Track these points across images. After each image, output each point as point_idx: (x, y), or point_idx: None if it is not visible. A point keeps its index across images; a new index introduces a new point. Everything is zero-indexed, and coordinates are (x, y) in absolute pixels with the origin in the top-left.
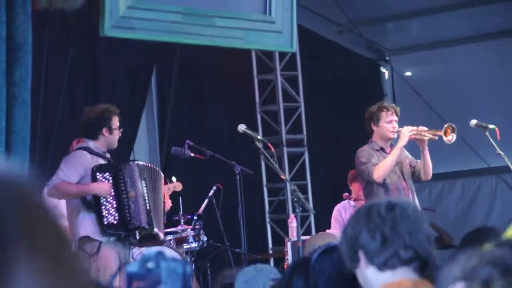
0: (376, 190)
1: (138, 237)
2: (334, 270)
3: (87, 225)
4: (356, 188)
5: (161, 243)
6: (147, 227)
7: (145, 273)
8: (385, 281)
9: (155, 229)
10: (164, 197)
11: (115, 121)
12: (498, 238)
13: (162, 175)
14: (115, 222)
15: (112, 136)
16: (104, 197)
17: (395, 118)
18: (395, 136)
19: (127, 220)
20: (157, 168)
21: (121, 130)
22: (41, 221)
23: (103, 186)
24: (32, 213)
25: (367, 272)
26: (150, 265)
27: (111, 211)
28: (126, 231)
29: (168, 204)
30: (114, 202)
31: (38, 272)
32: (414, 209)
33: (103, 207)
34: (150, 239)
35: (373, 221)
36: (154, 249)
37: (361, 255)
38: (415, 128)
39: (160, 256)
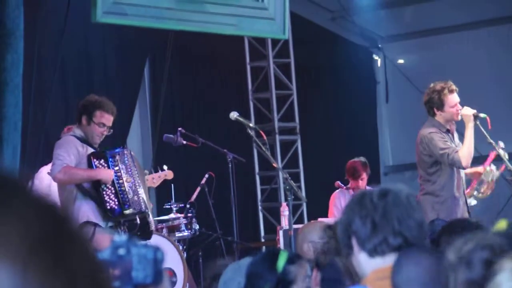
0: (446, 173)
1: (138, 222)
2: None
3: (85, 211)
4: (363, 178)
5: (150, 235)
6: (146, 211)
7: (116, 260)
8: (375, 267)
9: (150, 217)
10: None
11: (99, 116)
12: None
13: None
14: (116, 207)
15: (89, 127)
16: (104, 183)
17: (458, 99)
18: (459, 118)
19: (127, 206)
20: (136, 159)
21: (110, 130)
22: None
23: (108, 172)
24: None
25: (359, 258)
26: (121, 251)
27: (111, 196)
28: (126, 216)
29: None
30: (113, 188)
31: None
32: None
33: (104, 193)
34: (142, 228)
35: (365, 208)
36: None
37: (354, 241)
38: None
39: (130, 242)
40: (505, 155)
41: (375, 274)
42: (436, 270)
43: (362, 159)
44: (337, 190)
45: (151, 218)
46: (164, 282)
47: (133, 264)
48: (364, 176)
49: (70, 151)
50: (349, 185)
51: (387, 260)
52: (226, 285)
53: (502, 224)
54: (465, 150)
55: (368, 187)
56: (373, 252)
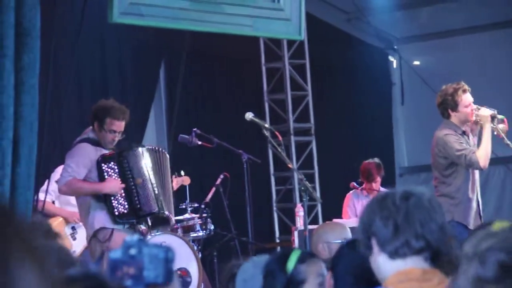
0: (462, 175)
1: (150, 223)
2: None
3: (100, 217)
4: (377, 180)
5: (171, 226)
6: (158, 212)
7: (128, 260)
8: (395, 269)
9: (166, 212)
10: (172, 180)
11: (109, 123)
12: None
13: (168, 156)
14: (125, 211)
15: (100, 134)
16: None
17: (472, 99)
18: (475, 118)
19: (137, 208)
20: (162, 150)
21: (122, 135)
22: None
23: (114, 184)
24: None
25: (379, 260)
26: (133, 251)
27: (120, 201)
28: (137, 218)
29: (175, 184)
30: (123, 192)
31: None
32: (429, 199)
33: (112, 198)
34: (162, 222)
35: (387, 209)
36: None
37: (374, 242)
38: (490, 111)
39: (142, 242)
40: None
41: (397, 276)
42: None
43: (377, 160)
44: (351, 192)
45: (167, 213)
46: (175, 282)
47: (144, 263)
48: (378, 178)
49: (81, 161)
50: (363, 186)
51: (408, 263)
52: (247, 283)
53: (497, 226)
54: (483, 151)
55: (382, 188)
56: (394, 255)
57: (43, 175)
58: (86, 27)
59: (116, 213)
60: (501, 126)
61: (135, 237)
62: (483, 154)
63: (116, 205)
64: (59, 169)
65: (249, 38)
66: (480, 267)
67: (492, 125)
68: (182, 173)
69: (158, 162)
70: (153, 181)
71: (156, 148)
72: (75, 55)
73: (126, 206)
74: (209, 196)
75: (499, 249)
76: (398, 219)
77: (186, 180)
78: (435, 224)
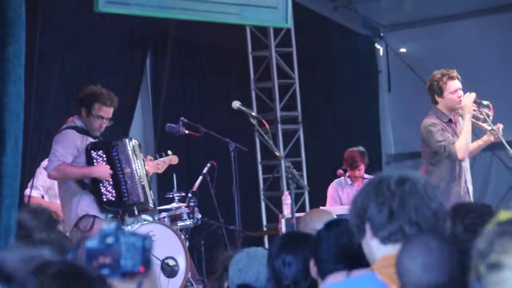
0: (447, 164)
1: (136, 213)
2: (338, 243)
3: (84, 205)
4: (360, 168)
5: (154, 211)
6: (144, 202)
7: (105, 248)
8: (386, 253)
9: (151, 205)
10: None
11: (97, 109)
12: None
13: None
14: (113, 199)
15: (88, 120)
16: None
17: (460, 85)
18: (462, 105)
19: (125, 196)
20: (138, 142)
21: (110, 122)
22: None
23: (103, 169)
24: None
25: (371, 244)
26: (110, 240)
27: (108, 188)
28: (124, 207)
29: (149, 166)
30: (111, 180)
31: None
32: (424, 184)
33: (101, 185)
34: (145, 210)
35: (382, 195)
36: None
37: (368, 227)
38: (472, 96)
39: (119, 231)
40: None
41: (382, 261)
42: (443, 254)
43: (361, 148)
44: (334, 181)
45: (151, 206)
46: (153, 271)
47: (121, 252)
48: (362, 166)
49: (67, 147)
50: (348, 174)
51: (398, 248)
52: (241, 272)
53: (503, 216)
54: (462, 142)
55: (366, 176)
56: (386, 240)
57: (28, 169)
58: (72, 16)
59: (105, 199)
60: (486, 111)
61: (112, 225)
62: (462, 145)
63: (105, 192)
64: (45, 162)
65: (235, 26)
66: None
67: (478, 112)
68: (170, 152)
69: (141, 156)
70: (140, 173)
71: (139, 143)
72: (61, 45)
73: (114, 194)
74: (196, 185)
75: None
76: (393, 205)
77: (174, 159)
78: (429, 210)
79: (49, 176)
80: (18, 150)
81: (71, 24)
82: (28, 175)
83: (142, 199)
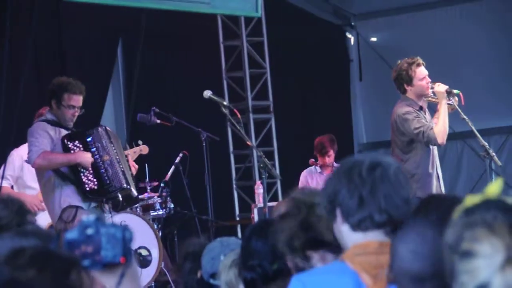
0: (421, 151)
1: (120, 198)
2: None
3: (67, 196)
4: (330, 154)
5: (136, 200)
6: (128, 187)
7: (85, 239)
8: (356, 241)
9: (133, 190)
10: (129, 161)
11: (67, 99)
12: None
13: (119, 140)
14: (95, 187)
15: (60, 111)
16: (82, 167)
17: (427, 72)
18: (431, 91)
19: (107, 184)
20: (115, 133)
21: (81, 110)
22: None
23: (86, 155)
24: None
25: (342, 229)
26: (90, 231)
27: (89, 177)
28: (107, 194)
29: (135, 167)
30: (91, 168)
31: None
32: (395, 171)
33: (81, 174)
34: (128, 202)
35: (353, 181)
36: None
37: (338, 212)
38: (444, 85)
39: (99, 222)
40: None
41: (354, 249)
42: (438, 244)
43: (331, 135)
44: (305, 170)
45: (134, 191)
46: (133, 262)
47: (102, 243)
48: (331, 152)
49: (44, 137)
50: (317, 162)
51: (369, 236)
52: (215, 260)
53: (469, 201)
54: (440, 127)
55: (336, 164)
56: (356, 227)
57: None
58: (42, 6)
59: (87, 188)
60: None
61: (92, 216)
62: (441, 130)
63: (86, 181)
64: (15, 152)
65: (207, 15)
66: None
67: (448, 101)
68: (140, 142)
69: (117, 143)
70: (119, 159)
71: (108, 129)
72: (31, 36)
73: (96, 183)
74: (169, 174)
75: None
76: (363, 192)
77: (144, 149)
78: (399, 198)
79: (34, 165)
80: None
81: (41, 14)
82: None
83: (125, 185)
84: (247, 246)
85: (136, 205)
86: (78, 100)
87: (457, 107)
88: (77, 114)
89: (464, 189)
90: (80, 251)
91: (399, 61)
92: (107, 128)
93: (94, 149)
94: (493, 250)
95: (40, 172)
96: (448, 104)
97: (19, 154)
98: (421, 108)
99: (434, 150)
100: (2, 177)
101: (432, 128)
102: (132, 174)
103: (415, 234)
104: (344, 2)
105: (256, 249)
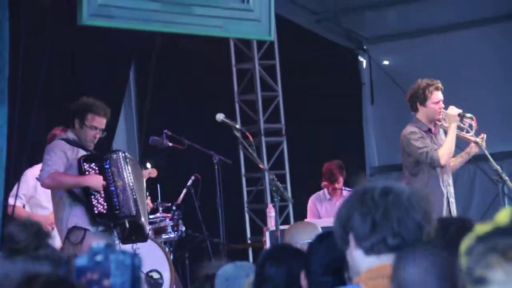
0: (428, 173)
1: (127, 226)
2: (328, 255)
3: (75, 216)
4: (339, 181)
5: (146, 237)
6: (136, 215)
7: (94, 266)
8: (369, 265)
9: (142, 219)
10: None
11: (91, 119)
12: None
13: (141, 169)
14: (104, 211)
15: (82, 131)
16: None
17: (442, 97)
18: (442, 117)
19: (116, 209)
20: (136, 162)
21: (103, 133)
22: None
23: (97, 178)
24: None
25: (355, 254)
26: (99, 258)
27: (100, 201)
28: (115, 220)
29: (150, 205)
30: (103, 192)
31: None
32: (408, 196)
33: (92, 197)
34: (136, 232)
35: (365, 205)
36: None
37: (351, 237)
38: (457, 109)
39: (109, 248)
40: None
41: (368, 273)
42: (442, 269)
43: (339, 162)
44: (313, 195)
45: (143, 221)
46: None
47: (110, 270)
48: (341, 179)
49: (59, 156)
50: (327, 188)
51: (382, 259)
52: (229, 282)
53: (480, 229)
54: (445, 149)
55: (346, 188)
56: (369, 251)
57: (12, 179)
58: (56, 28)
59: (96, 211)
60: (468, 122)
61: (102, 243)
62: (445, 152)
63: (96, 204)
64: (29, 172)
65: (219, 39)
66: None
67: (461, 124)
68: (148, 165)
69: (135, 171)
70: (133, 186)
71: (132, 158)
72: (45, 57)
73: (105, 207)
74: (181, 197)
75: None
76: (376, 216)
77: (153, 172)
78: (412, 222)
79: (43, 185)
80: (1, 163)
81: (55, 36)
82: (11, 190)
83: (134, 212)
84: (261, 272)
85: (148, 228)
86: (101, 122)
87: (469, 129)
88: (98, 136)
89: (477, 213)
90: (89, 277)
91: (419, 80)
92: (127, 154)
93: (110, 173)
94: (507, 277)
95: (54, 190)
96: (475, 142)
97: (33, 173)
98: (429, 130)
99: (446, 175)
100: (16, 196)
101: (436, 150)
102: (146, 208)
103: (424, 258)
104: (357, 26)
105: (270, 275)
